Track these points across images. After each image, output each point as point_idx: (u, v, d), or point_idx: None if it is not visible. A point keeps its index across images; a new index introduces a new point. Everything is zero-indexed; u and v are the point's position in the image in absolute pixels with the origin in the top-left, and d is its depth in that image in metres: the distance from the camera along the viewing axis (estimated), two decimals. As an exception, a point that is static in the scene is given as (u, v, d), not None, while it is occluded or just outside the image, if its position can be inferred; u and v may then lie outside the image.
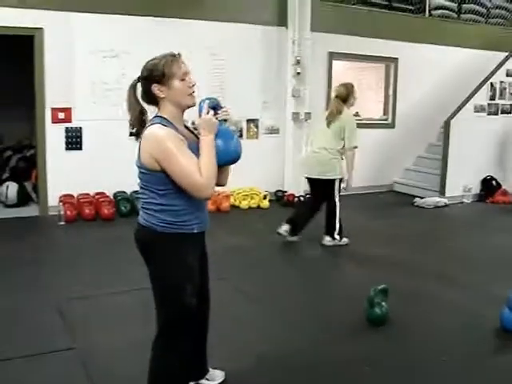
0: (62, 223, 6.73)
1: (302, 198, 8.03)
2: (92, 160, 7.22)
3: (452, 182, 8.78)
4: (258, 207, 8.09)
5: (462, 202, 8.85)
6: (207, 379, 3.09)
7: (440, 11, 10.08)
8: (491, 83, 9.21)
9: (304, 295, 4.70)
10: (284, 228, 6.03)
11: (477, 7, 10.52)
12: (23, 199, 7.69)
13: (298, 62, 8.21)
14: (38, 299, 4.34)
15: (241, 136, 8.16)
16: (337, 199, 5.91)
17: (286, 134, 8.55)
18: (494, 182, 9.15)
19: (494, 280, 5.04)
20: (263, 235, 6.53)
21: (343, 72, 9.61)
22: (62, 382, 3.16)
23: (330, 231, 6.01)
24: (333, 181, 5.87)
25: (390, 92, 9.77)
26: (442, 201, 8.54)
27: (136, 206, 6.69)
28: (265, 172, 8.44)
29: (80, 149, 7.25)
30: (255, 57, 8.30)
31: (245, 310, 4.33)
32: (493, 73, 9.26)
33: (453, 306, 4.44)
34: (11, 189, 7.61)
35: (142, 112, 2.61)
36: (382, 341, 3.78)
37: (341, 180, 5.92)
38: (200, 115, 2.56)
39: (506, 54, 9.45)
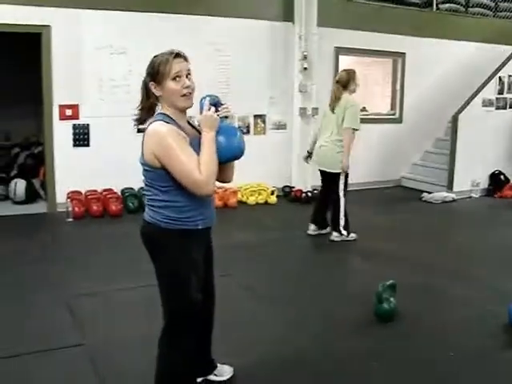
0: (70, 220, 6.75)
1: (309, 194, 8.02)
2: (99, 156, 7.24)
3: (460, 176, 8.74)
4: (266, 203, 8.09)
5: (470, 197, 8.81)
6: (215, 375, 3.10)
7: (447, 5, 10.00)
8: (499, 77, 9.15)
9: (311, 291, 4.69)
10: (312, 228, 6.23)
11: (485, 0, 10.44)
12: (31, 196, 7.72)
13: (304, 58, 8.20)
14: (46, 295, 4.36)
15: (248, 132, 8.18)
16: (341, 194, 5.89)
17: (294, 130, 8.54)
18: (502, 177, 9.11)
19: (503, 275, 5.03)
20: (270, 231, 6.54)
21: (350, 67, 9.52)
22: (70, 378, 3.17)
23: (335, 226, 6.02)
24: (337, 174, 5.87)
25: (398, 87, 9.73)
26: (450, 196, 8.51)
27: (143, 202, 6.69)
28: (272, 167, 8.44)
29: (87, 145, 7.28)
30: (262, 52, 8.29)
31: (249, 305, 4.33)
32: (501, 67, 9.21)
33: (461, 301, 4.42)
34: (19, 186, 7.64)
35: (153, 103, 2.60)
36: (390, 336, 3.77)
37: (347, 175, 5.92)
38: (201, 112, 2.56)
39: (515, 47, 9.39)
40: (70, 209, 6.79)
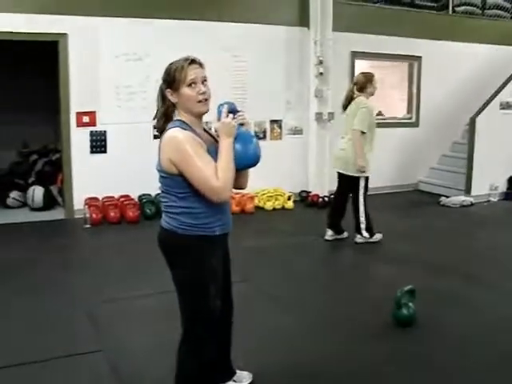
0: (88, 226, 6.79)
1: (326, 198, 7.99)
2: (117, 163, 7.27)
3: (478, 180, 8.65)
4: (283, 208, 8.07)
5: (489, 201, 8.72)
6: (234, 381, 3.09)
7: (463, 7, 9.96)
8: (517, 80, 9.07)
9: (329, 296, 4.67)
10: (329, 234, 6.23)
11: (501, 2, 10.36)
12: (49, 203, 7.79)
13: (320, 62, 8.19)
14: (65, 302, 4.39)
15: (264, 137, 8.18)
16: (361, 198, 5.91)
17: (310, 135, 8.53)
18: (520, 180, 9.02)
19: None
20: (288, 236, 6.52)
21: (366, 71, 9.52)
22: (91, 384, 3.18)
23: (357, 229, 6.03)
24: (357, 178, 5.88)
25: (414, 90, 9.67)
26: (468, 200, 8.43)
27: (160, 208, 6.71)
28: (289, 173, 8.43)
29: (105, 152, 7.32)
30: (277, 58, 8.29)
31: (268, 311, 4.31)
32: (519, 69, 9.12)
33: (480, 306, 4.37)
34: (37, 192, 7.71)
35: (169, 109, 2.59)
36: (408, 342, 3.74)
37: (367, 179, 5.91)
38: (219, 119, 2.55)
39: (532, 49, 9.31)
40: (88, 215, 6.83)
